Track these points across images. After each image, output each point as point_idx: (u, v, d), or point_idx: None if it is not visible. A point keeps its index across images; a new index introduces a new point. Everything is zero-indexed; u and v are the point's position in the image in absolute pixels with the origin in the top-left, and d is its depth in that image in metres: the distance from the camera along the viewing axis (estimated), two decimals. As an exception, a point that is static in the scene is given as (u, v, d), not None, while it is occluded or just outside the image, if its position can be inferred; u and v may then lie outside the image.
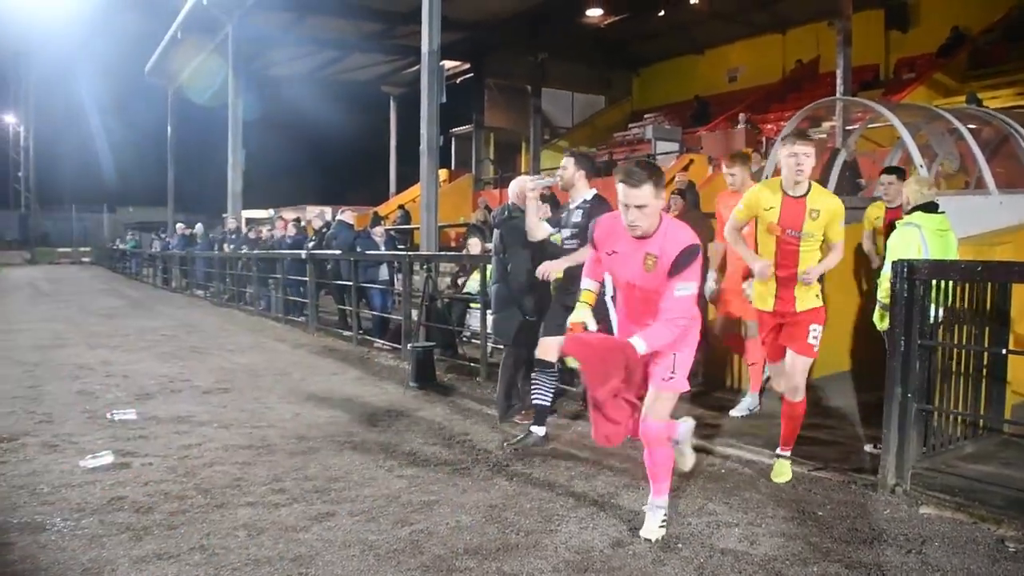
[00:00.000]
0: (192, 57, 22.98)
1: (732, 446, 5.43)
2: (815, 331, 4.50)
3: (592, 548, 3.68)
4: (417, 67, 9.95)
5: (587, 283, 4.01)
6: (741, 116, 18.63)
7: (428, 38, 10.05)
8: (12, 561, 3.53)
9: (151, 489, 4.53)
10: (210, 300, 18.63)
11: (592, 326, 3.81)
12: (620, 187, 3.56)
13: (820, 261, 4.51)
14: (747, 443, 5.50)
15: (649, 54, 25.74)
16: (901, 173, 6.53)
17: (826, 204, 4.41)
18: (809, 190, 4.43)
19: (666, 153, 19.77)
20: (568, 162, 5.56)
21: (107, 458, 5.09)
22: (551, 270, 5.48)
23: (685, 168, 17.06)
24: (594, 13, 20.75)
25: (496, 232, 6.33)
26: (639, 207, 3.55)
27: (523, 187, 5.91)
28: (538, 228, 5.75)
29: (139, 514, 4.10)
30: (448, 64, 26.77)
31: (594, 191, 5.52)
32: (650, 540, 3.72)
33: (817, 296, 4.54)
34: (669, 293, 3.56)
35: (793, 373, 4.59)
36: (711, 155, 18.07)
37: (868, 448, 5.24)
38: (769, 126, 18.48)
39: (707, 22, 22.14)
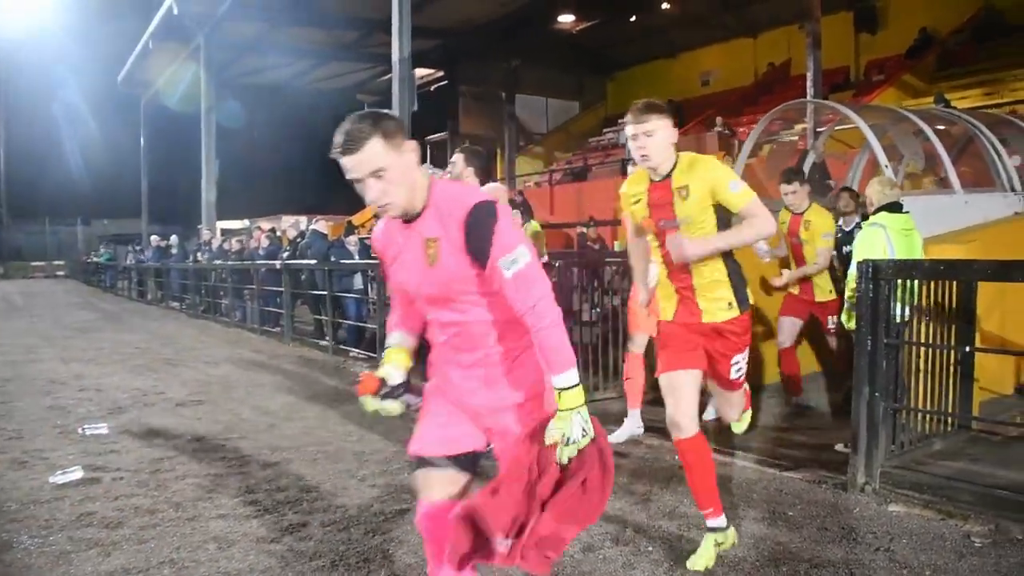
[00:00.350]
0: (165, 67, 22.86)
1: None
2: (737, 364, 3.62)
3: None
4: (389, 75, 9.96)
5: (393, 337, 2.78)
6: (718, 120, 18.78)
7: (399, 46, 10.06)
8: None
9: (121, 504, 4.49)
10: (185, 312, 18.51)
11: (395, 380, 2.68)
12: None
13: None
14: (721, 446, 5.53)
15: (623, 59, 25.89)
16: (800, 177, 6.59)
17: (696, 173, 3.38)
18: (675, 166, 3.44)
19: (640, 158, 19.87)
20: (457, 159, 5.20)
21: (77, 473, 5.04)
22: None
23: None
24: (566, 19, 20.88)
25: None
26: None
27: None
28: None
29: (108, 529, 4.07)
30: (422, 72, 26.84)
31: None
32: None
33: (730, 305, 3.51)
34: (500, 281, 2.32)
35: (727, 408, 3.97)
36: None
37: (838, 447, 5.29)
38: (742, 129, 18.63)
39: (679, 26, 22.32)
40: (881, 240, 5.03)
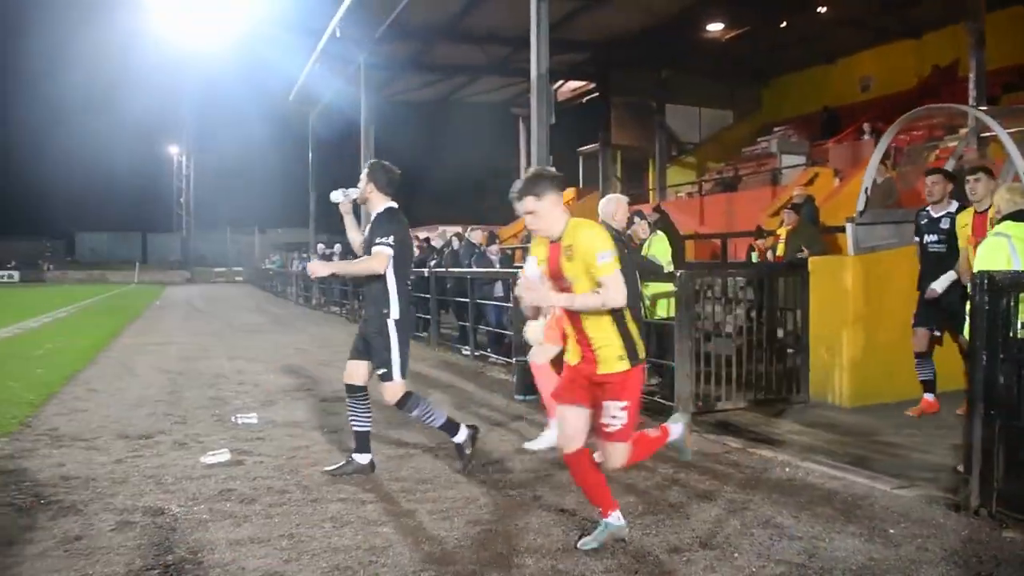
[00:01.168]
0: (330, 85, 24.30)
1: (812, 460, 5.41)
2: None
3: (649, 553, 3.82)
4: (550, 87, 10.24)
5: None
6: (866, 126, 18.00)
7: (536, 62, 10.37)
8: (132, 536, 4.05)
9: (257, 484, 5.00)
10: (345, 317, 19.59)
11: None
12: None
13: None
14: (830, 459, 5.47)
15: (777, 66, 25.18)
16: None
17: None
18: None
19: (792, 167, 19.32)
20: (363, 175, 5.25)
21: (225, 456, 5.63)
22: (317, 271, 5.26)
23: (810, 182, 16.64)
24: (715, 27, 20.57)
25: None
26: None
27: (348, 199, 5.42)
28: (354, 243, 5.49)
29: (243, 504, 4.56)
30: (574, 84, 27.23)
31: (387, 205, 5.22)
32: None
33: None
34: None
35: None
36: (836, 168, 17.55)
37: (960, 468, 5.09)
38: (901, 136, 17.76)
39: (836, 31, 21.48)
40: (1005, 250, 4.84)
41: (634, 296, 6.24)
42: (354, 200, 5.39)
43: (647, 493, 4.80)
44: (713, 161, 25.52)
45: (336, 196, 5.42)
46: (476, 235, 13.12)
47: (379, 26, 17.77)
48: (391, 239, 5.04)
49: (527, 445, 5.97)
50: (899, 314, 7.03)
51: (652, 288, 7.52)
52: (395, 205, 5.26)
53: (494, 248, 12.57)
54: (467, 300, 11.75)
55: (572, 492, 4.79)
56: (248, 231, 65.64)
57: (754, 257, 12.37)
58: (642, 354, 3.85)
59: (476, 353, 11.41)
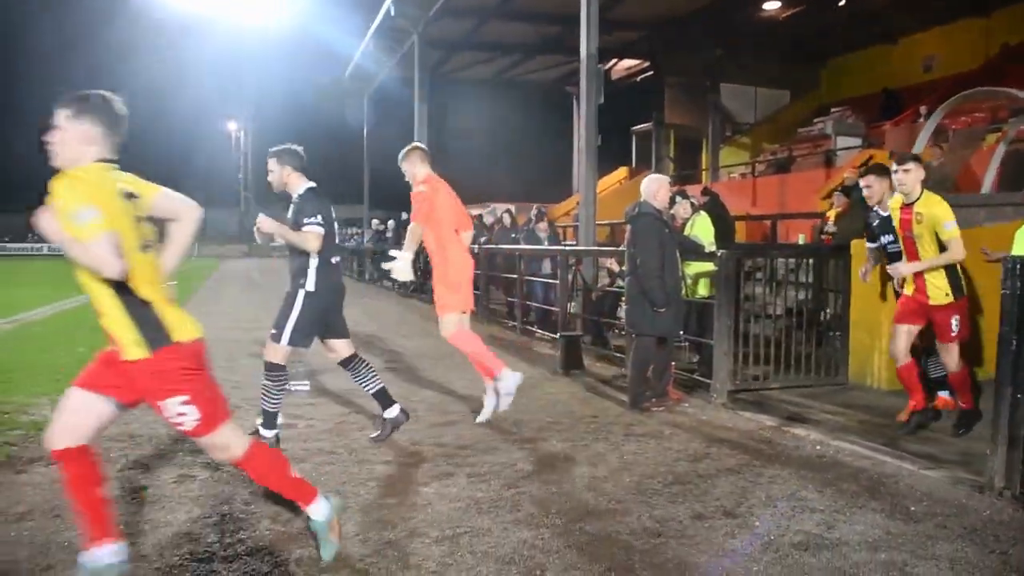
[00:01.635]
0: (384, 63, 24.63)
1: (845, 440, 5.51)
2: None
3: (674, 519, 4.00)
4: (599, 66, 10.32)
5: None
6: (923, 108, 17.63)
7: (586, 42, 10.49)
8: (192, 488, 4.38)
9: (308, 445, 5.30)
10: (397, 292, 19.93)
11: None
12: None
13: None
14: (863, 438, 5.58)
15: (837, 45, 24.70)
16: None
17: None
18: None
19: (846, 148, 19.03)
20: (271, 163, 5.36)
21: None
22: (263, 225, 5.24)
23: (864, 164, 16.42)
24: (772, 6, 20.33)
25: (628, 228, 6.69)
26: None
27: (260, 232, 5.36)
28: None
29: (294, 463, 4.74)
30: (628, 63, 27.12)
31: (307, 185, 5.35)
32: None
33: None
34: None
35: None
36: (892, 150, 17.25)
37: (989, 451, 5.15)
38: (964, 118, 17.39)
39: (898, 9, 21.02)
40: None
41: (673, 276, 6.43)
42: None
43: (677, 464, 4.97)
44: (768, 142, 25.19)
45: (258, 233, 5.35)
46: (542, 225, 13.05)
47: (433, 5, 17.98)
48: (319, 218, 5.17)
49: (478, 419, 6.08)
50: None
51: (694, 267, 7.63)
52: (314, 184, 5.37)
53: (543, 225, 12.72)
54: (515, 276, 11.99)
55: (605, 462, 5.00)
56: (304, 206, 66.71)
57: (801, 239, 12.34)
58: (177, 334, 3.10)
59: (523, 327, 11.63)
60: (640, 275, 6.41)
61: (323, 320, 5.38)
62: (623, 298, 10.57)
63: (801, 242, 12.16)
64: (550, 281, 11.41)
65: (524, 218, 12.84)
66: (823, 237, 11.16)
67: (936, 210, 5.45)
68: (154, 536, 3.71)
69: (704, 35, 21.96)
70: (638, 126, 29.15)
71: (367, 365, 5.62)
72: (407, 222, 6.25)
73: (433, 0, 17.87)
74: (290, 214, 5.30)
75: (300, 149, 5.44)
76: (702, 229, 7.82)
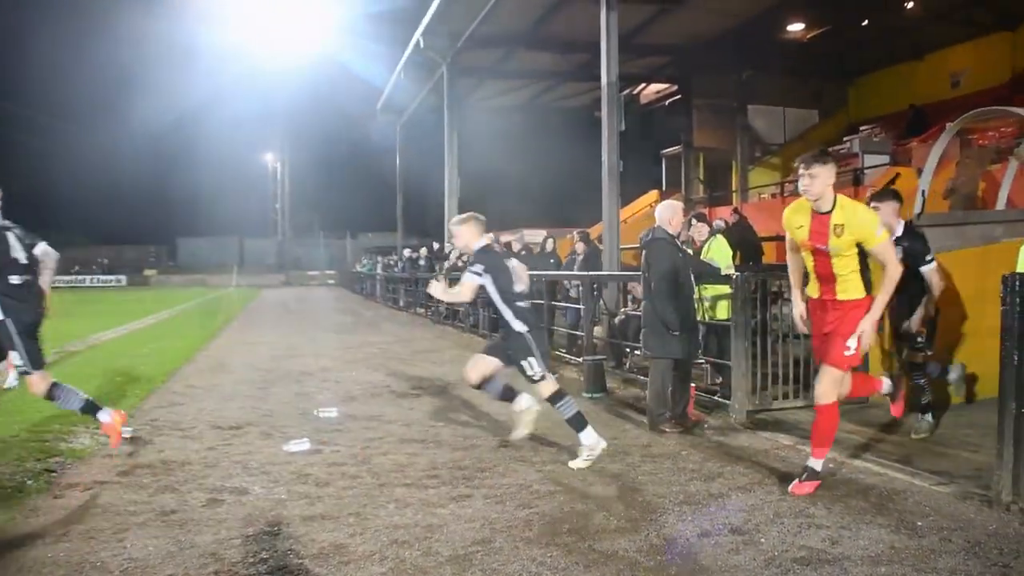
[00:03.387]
0: (415, 94, 25.13)
1: (859, 458, 5.58)
2: None
3: (680, 537, 4.11)
4: (626, 92, 10.55)
5: None
6: (948, 125, 17.54)
7: (607, 70, 10.71)
8: (220, 511, 4.57)
9: (332, 470, 5.49)
10: (430, 318, 20.18)
11: None
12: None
13: None
14: (877, 456, 5.63)
15: (864, 63, 24.73)
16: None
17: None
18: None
19: (874, 167, 19.01)
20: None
21: (305, 445, 6.16)
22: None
23: (891, 182, 16.38)
24: (796, 27, 20.47)
25: (643, 253, 6.83)
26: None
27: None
28: None
29: (317, 487, 5.05)
30: (657, 87, 27.35)
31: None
32: None
33: None
34: None
35: None
36: (920, 168, 17.18)
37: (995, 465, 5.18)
38: (991, 133, 17.29)
39: (924, 26, 21.02)
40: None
41: (687, 299, 6.55)
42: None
43: (691, 483, 5.08)
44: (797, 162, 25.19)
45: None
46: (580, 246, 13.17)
47: (461, 36, 18.37)
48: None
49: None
50: (958, 318, 7.07)
51: (712, 290, 7.74)
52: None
53: (580, 247, 12.83)
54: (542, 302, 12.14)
55: (619, 483, 5.12)
56: (340, 235, 67.76)
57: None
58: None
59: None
60: (654, 299, 6.55)
61: None
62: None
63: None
64: (578, 307, 11.54)
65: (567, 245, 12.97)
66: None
67: (861, 217, 4.78)
68: (181, 557, 3.91)
69: (731, 58, 22.14)
70: (667, 149, 29.30)
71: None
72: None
73: (460, 32, 18.26)
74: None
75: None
76: (718, 252, 7.94)
